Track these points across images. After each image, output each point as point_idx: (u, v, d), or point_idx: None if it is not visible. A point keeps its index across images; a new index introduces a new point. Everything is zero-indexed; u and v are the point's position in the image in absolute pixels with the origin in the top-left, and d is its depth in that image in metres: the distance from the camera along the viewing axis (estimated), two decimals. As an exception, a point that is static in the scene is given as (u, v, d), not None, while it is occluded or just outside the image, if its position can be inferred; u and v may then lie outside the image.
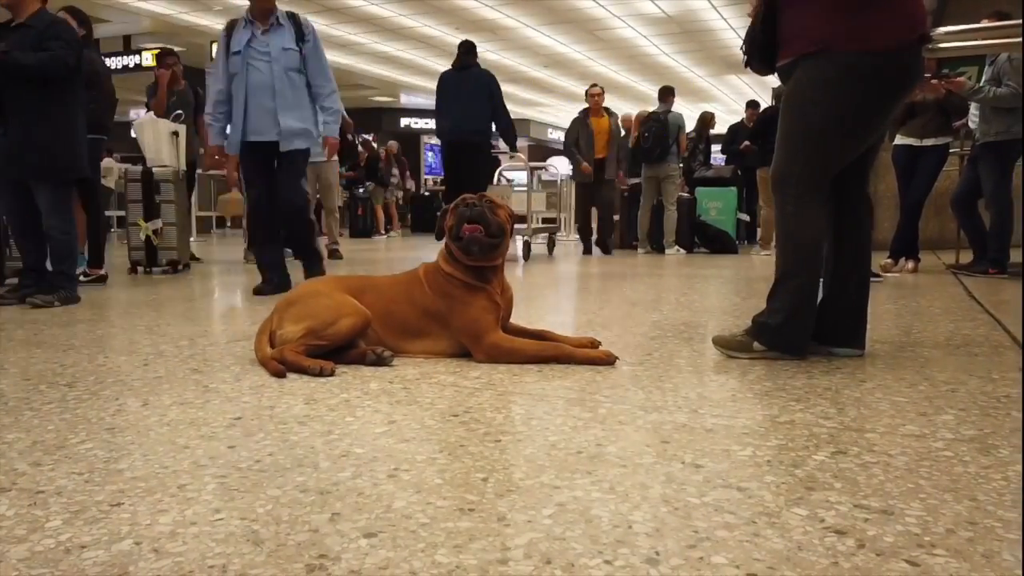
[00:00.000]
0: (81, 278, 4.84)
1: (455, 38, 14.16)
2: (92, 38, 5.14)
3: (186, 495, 1.20)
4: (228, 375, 2.10)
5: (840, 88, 2.13)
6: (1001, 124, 4.87)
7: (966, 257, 5.56)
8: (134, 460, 1.37)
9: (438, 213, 2.44)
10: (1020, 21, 3.00)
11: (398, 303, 2.32)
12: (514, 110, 23.86)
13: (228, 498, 1.18)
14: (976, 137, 5.11)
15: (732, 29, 12.86)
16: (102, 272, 4.89)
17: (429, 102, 21.81)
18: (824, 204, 2.25)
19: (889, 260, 5.59)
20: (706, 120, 10.02)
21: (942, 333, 2.83)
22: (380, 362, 2.18)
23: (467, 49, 6.80)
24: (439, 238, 2.36)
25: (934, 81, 5.05)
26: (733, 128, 10.04)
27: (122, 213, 11.10)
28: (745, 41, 2.36)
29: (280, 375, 2.05)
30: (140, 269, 5.54)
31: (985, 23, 3.40)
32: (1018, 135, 4.84)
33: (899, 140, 5.66)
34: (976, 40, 2.74)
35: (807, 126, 2.20)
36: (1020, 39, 2.80)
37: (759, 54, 2.32)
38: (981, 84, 4.92)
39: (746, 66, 2.44)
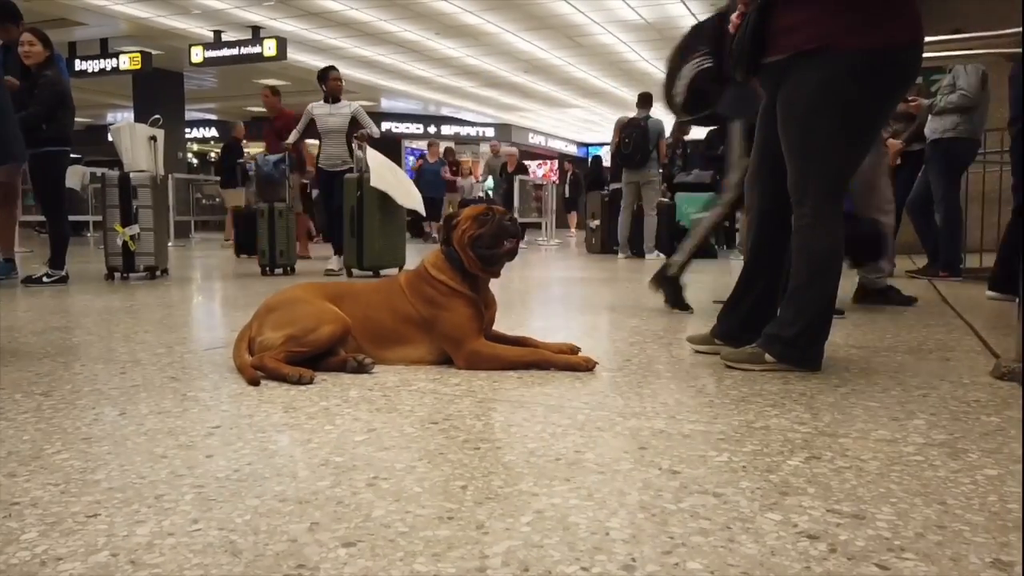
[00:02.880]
0: (44, 279, 5.03)
1: (436, 43, 14.22)
2: (54, 55, 5.10)
3: (163, 505, 1.19)
4: (207, 383, 2.09)
5: (841, 91, 2.09)
6: (949, 123, 5.01)
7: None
8: (111, 470, 1.36)
9: (442, 221, 2.44)
10: (994, 32, 3.06)
11: (377, 310, 2.32)
12: (495, 114, 23.83)
13: (206, 508, 1.18)
14: (927, 138, 5.24)
15: (711, 36, 12.97)
16: (63, 273, 5.07)
17: (409, 107, 21.91)
18: (842, 211, 2.20)
19: None
20: (683, 126, 10.11)
21: (915, 338, 2.87)
22: (360, 369, 2.18)
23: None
24: (447, 244, 2.33)
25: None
26: (710, 134, 10.13)
27: (90, 218, 11.06)
28: (733, 47, 2.28)
29: (255, 383, 2.05)
30: (117, 275, 5.48)
31: (954, 36, 3.48)
32: (964, 134, 4.98)
33: None
34: (949, 51, 2.80)
35: (814, 136, 2.15)
36: (991, 51, 2.85)
37: (748, 57, 2.23)
38: (936, 99, 5.08)
39: (731, 73, 2.35)
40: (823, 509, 1.18)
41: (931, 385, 2.06)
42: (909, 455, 1.45)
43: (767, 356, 2.22)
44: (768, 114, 2.32)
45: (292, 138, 6.72)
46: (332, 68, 6.64)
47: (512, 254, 2.32)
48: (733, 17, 2.31)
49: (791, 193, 2.22)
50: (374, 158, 5.83)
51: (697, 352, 2.52)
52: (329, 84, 6.49)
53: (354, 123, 6.42)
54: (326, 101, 6.48)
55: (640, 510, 1.18)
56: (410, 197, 5.97)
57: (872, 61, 2.06)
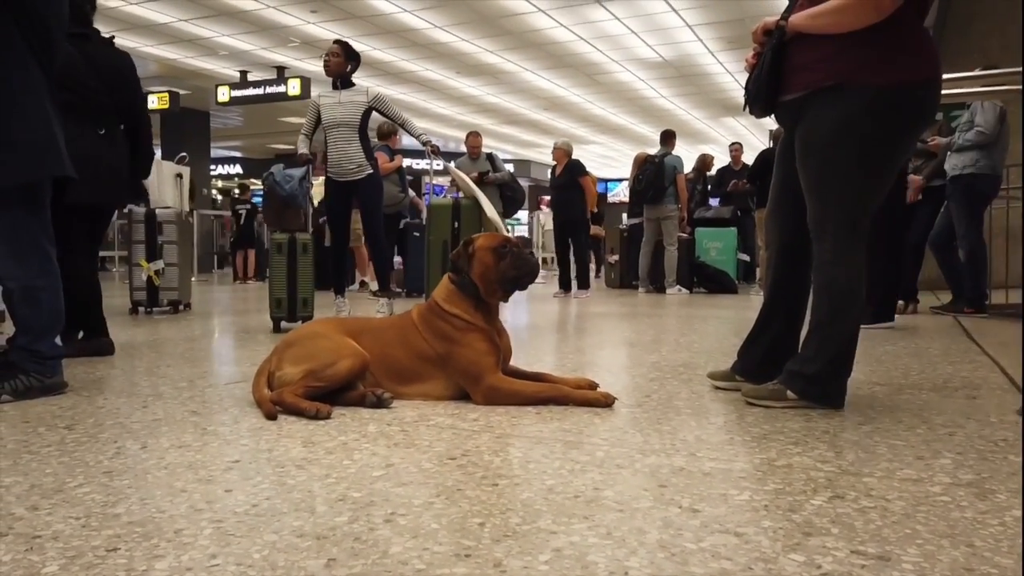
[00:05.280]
0: None
1: (457, 82, 14.44)
2: None
3: (182, 540, 1.19)
4: (227, 417, 2.10)
5: (858, 126, 2.09)
6: (968, 158, 5.00)
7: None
8: (131, 504, 1.37)
9: (455, 252, 2.41)
10: (1012, 70, 3.06)
11: (393, 347, 2.32)
12: (515, 151, 24.08)
13: (224, 543, 1.18)
14: (948, 174, 5.22)
15: (728, 73, 13.08)
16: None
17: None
18: (863, 247, 2.18)
19: (900, 302, 5.62)
20: (705, 162, 10.20)
21: (940, 375, 2.83)
22: (379, 404, 2.18)
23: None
24: (458, 273, 2.33)
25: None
26: (721, 171, 10.20)
27: (115, 253, 11.26)
28: (749, 86, 2.29)
29: (272, 417, 2.05)
30: (141, 310, 5.55)
31: (978, 72, 3.49)
32: (984, 170, 4.97)
33: None
34: (969, 88, 2.81)
35: (833, 170, 2.14)
36: (1009, 87, 2.85)
37: (765, 96, 2.23)
38: (954, 136, 5.09)
39: (746, 110, 2.36)
40: (847, 550, 1.15)
41: (957, 424, 2.02)
42: (936, 495, 1.42)
43: (789, 393, 2.19)
44: (787, 151, 2.33)
45: (301, 146, 5.12)
46: (335, 42, 5.18)
47: (532, 280, 2.40)
48: (748, 57, 2.32)
49: (811, 229, 2.21)
50: (465, 178, 5.03)
51: (717, 388, 2.50)
52: (327, 61, 5.05)
53: (368, 112, 5.00)
54: (333, 87, 5.05)
55: (660, 549, 1.16)
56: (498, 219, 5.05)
57: (888, 97, 2.07)
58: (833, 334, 2.17)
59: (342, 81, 5.02)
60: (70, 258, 3.03)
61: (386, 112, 5.04)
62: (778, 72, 2.19)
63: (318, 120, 5.05)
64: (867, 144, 2.11)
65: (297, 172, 5.28)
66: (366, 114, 4.98)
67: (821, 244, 2.18)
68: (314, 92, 4.81)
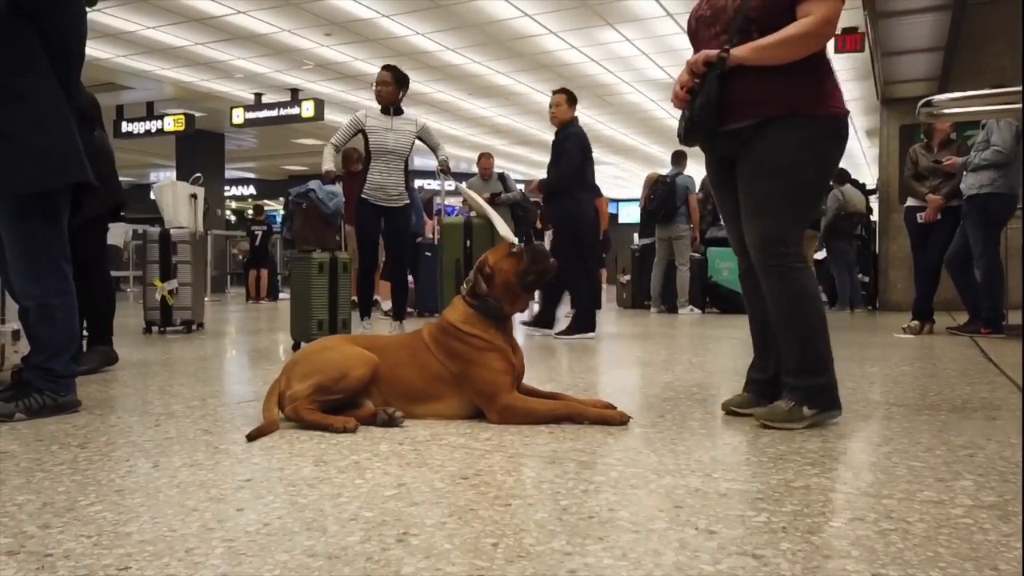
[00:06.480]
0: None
1: (468, 103, 14.54)
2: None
3: (193, 559, 1.19)
4: (238, 436, 2.09)
5: (818, 147, 2.23)
6: (985, 177, 4.96)
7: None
8: (143, 523, 1.36)
9: (469, 276, 2.39)
10: (1018, 88, 3.05)
11: (404, 366, 2.31)
12: (527, 171, 24.14)
13: (236, 563, 1.17)
14: (964, 193, 5.19)
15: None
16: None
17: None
18: None
19: (915, 322, 5.57)
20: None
21: (959, 396, 2.79)
22: (391, 423, 2.17)
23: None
24: (475, 296, 2.31)
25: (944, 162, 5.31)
26: None
27: (130, 273, 11.37)
28: (694, 115, 2.26)
29: (256, 437, 2.04)
30: (155, 329, 5.58)
31: (986, 91, 3.47)
32: (1002, 189, 4.93)
33: (910, 202, 5.74)
34: (976, 107, 2.80)
35: (796, 187, 2.23)
36: (1018, 106, 2.84)
37: (712, 125, 2.24)
38: (970, 156, 5.07)
39: (683, 143, 2.38)
40: (868, 573, 1.13)
41: (977, 445, 1.99)
42: (957, 517, 1.39)
43: (805, 410, 2.18)
44: (725, 178, 2.39)
45: (328, 162, 4.84)
46: (384, 68, 5.02)
47: (557, 270, 2.44)
48: (677, 89, 2.32)
49: (768, 245, 2.24)
50: (476, 197, 5.08)
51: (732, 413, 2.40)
52: (379, 91, 4.95)
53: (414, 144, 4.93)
54: (384, 112, 4.92)
55: (676, 571, 1.14)
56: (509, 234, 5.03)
57: (831, 125, 2.24)
58: (821, 340, 2.22)
59: (394, 108, 4.92)
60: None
61: (427, 140, 5.01)
62: (721, 103, 2.23)
63: (358, 138, 4.91)
64: (824, 164, 2.28)
65: (337, 189, 5.17)
66: (413, 143, 4.95)
67: (783, 259, 2.23)
68: (360, 112, 4.83)
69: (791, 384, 2.23)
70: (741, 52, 2.19)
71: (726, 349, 4.60)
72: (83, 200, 2.60)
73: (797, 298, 2.23)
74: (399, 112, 4.93)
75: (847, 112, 2.28)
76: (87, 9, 2.59)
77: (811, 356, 2.21)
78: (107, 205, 3.47)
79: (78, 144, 2.42)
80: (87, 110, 3.15)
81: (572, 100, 5.77)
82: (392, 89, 4.90)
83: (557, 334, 5.29)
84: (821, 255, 9.44)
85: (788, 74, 2.19)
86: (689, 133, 2.31)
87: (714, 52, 2.22)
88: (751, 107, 2.22)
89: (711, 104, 2.22)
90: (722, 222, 2.76)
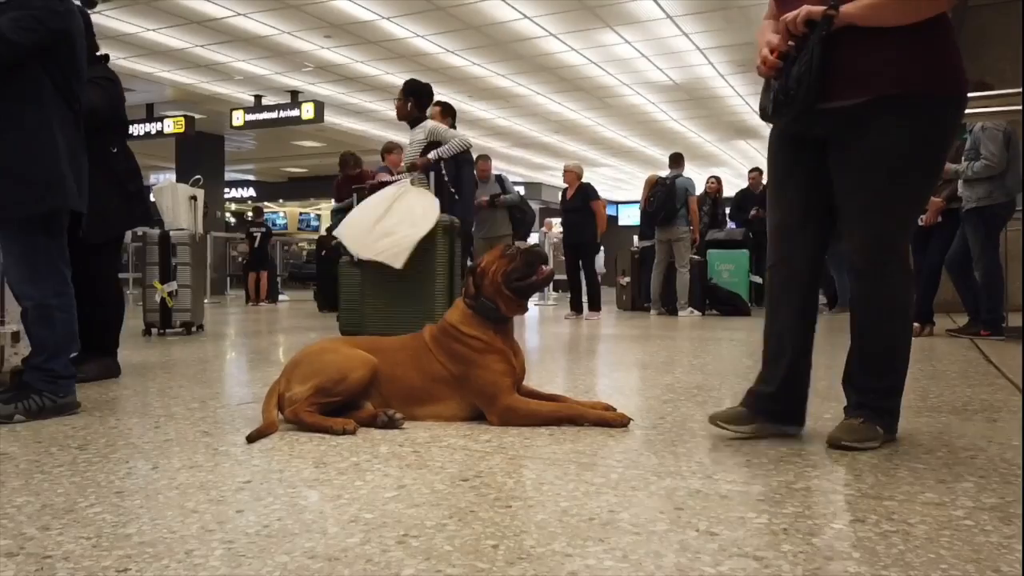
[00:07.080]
0: None
1: (469, 105, 14.54)
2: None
3: (193, 561, 1.18)
4: (238, 438, 2.09)
5: (931, 141, 1.90)
6: (982, 190, 4.97)
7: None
8: (142, 524, 1.36)
9: (468, 272, 2.41)
10: (1018, 89, 3.04)
11: (405, 368, 2.31)
12: (526, 174, 24.14)
13: (235, 564, 1.17)
14: (962, 204, 5.19)
15: (739, 96, 13.11)
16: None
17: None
18: None
19: (915, 324, 5.57)
20: (715, 184, 10.23)
21: (960, 398, 2.79)
22: (391, 425, 2.17)
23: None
24: (473, 298, 2.31)
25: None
26: (740, 193, 10.22)
27: (130, 275, 11.38)
28: (790, 85, 1.89)
29: (256, 438, 2.04)
30: (154, 331, 5.57)
31: (985, 93, 3.46)
32: (998, 200, 4.94)
33: None
34: (976, 108, 2.76)
35: (915, 183, 1.93)
36: (1018, 107, 2.81)
37: (811, 98, 1.87)
38: (962, 164, 5.06)
39: (769, 119, 2.02)
40: (869, 575, 1.13)
41: (978, 447, 1.99)
42: (959, 519, 1.39)
43: (878, 428, 1.96)
44: (800, 165, 2.05)
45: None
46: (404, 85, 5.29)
47: (549, 279, 2.36)
48: (766, 53, 1.96)
49: (879, 247, 1.95)
50: (371, 201, 4.55)
51: (723, 428, 2.10)
52: (398, 109, 5.25)
53: (429, 147, 5.01)
54: (410, 127, 5.25)
55: (677, 573, 1.14)
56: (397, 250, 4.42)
57: (948, 109, 1.90)
58: (902, 361, 2.03)
59: (411, 121, 5.13)
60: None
61: (440, 141, 5.08)
62: (824, 71, 1.86)
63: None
64: (934, 161, 1.95)
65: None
66: (426, 150, 5.01)
67: (890, 264, 1.95)
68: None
69: (863, 401, 2.00)
70: (851, 9, 1.82)
71: (726, 351, 4.60)
72: (80, 222, 2.65)
73: (893, 311, 1.98)
74: (416, 123, 5.12)
75: (965, 92, 1.94)
76: (88, 10, 2.62)
77: (892, 375, 2.01)
78: (141, 222, 3.87)
79: (63, 172, 2.46)
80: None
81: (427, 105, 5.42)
82: (400, 104, 5.15)
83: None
84: None
85: (910, 40, 1.82)
86: (780, 108, 1.93)
87: (818, 8, 1.83)
88: (863, 80, 1.86)
89: (812, 73, 1.84)
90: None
